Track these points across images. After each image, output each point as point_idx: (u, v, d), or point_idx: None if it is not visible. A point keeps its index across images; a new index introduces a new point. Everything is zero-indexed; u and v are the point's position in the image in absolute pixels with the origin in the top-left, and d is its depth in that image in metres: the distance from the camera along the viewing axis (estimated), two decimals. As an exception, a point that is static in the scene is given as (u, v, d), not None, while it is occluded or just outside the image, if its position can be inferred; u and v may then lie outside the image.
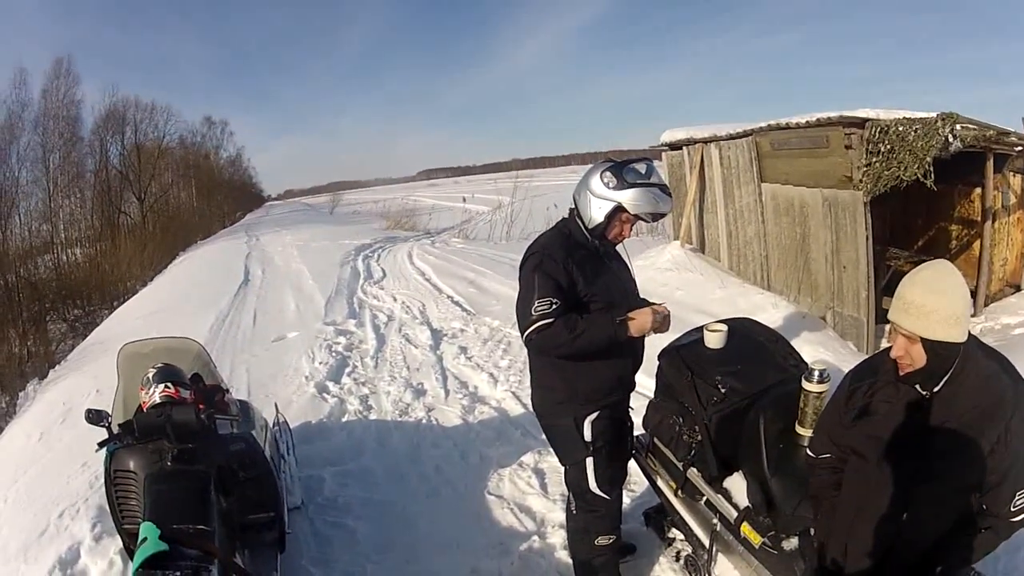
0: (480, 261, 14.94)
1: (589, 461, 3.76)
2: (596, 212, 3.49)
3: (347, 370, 8.34)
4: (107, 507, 3.90)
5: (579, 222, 3.60)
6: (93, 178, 37.18)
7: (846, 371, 2.97)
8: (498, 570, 4.48)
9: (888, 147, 7.67)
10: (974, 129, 8.02)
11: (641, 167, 3.51)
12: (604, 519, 3.94)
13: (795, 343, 4.29)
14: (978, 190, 10.16)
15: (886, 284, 9.23)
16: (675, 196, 3.58)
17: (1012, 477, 2.49)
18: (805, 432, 3.51)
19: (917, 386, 2.51)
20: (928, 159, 7.56)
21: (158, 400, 3.89)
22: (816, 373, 3.46)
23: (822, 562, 2.94)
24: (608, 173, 3.46)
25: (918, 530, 2.60)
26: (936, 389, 2.50)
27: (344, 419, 6.84)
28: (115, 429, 3.85)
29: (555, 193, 22.52)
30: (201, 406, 3.96)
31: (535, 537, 4.78)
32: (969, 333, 2.47)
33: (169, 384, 3.97)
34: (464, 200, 33.40)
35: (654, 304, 3.62)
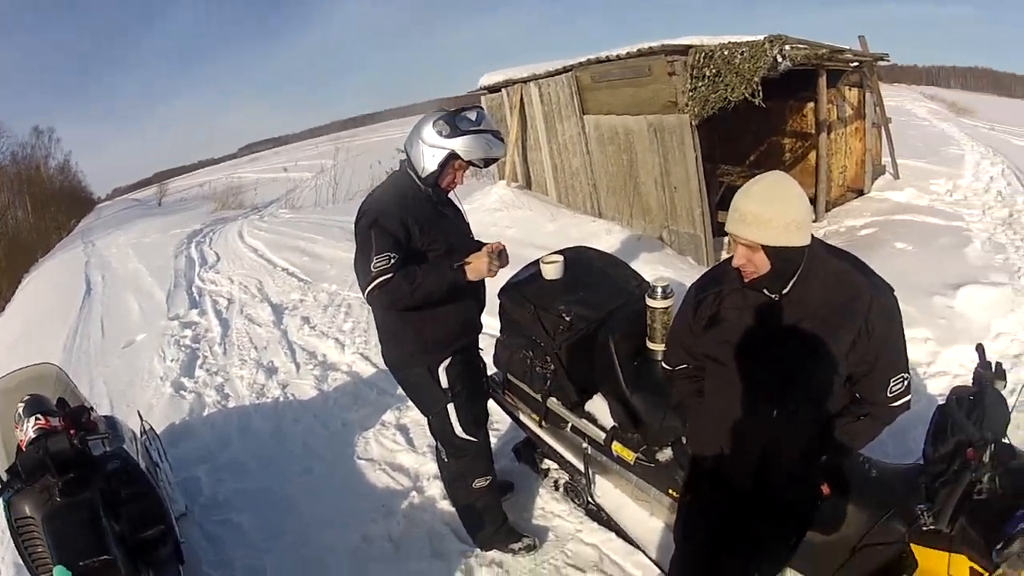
0: (310, 228, 14.90)
1: (450, 407, 3.96)
2: (429, 161, 3.60)
3: (198, 362, 8.28)
4: (19, 559, 3.78)
5: (411, 173, 3.70)
6: (-69, 211, 34.78)
7: (689, 285, 3.27)
8: (387, 532, 4.63)
9: (714, 71, 8.15)
10: (805, 48, 8.62)
11: (472, 114, 3.64)
12: (476, 461, 4.17)
13: (635, 264, 4.57)
14: (810, 105, 10.90)
15: (719, 200, 9.93)
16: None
17: (881, 366, 2.68)
18: (657, 347, 3.79)
19: (765, 290, 2.64)
20: (756, 79, 8.08)
21: (33, 435, 3.79)
22: (659, 289, 3.75)
23: (701, 468, 3.13)
24: (441, 122, 3.57)
25: (792, 425, 2.76)
26: (785, 291, 2.63)
27: (205, 413, 6.82)
28: (3, 476, 3.78)
29: (377, 151, 22.46)
30: (72, 431, 3.87)
31: (413, 493, 4.97)
32: (814, 236, 2.61)
33: (39, 415, 3.88)
34: (286, 169, 32.89)
35: (489, 244, 3.78)
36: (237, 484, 5.43)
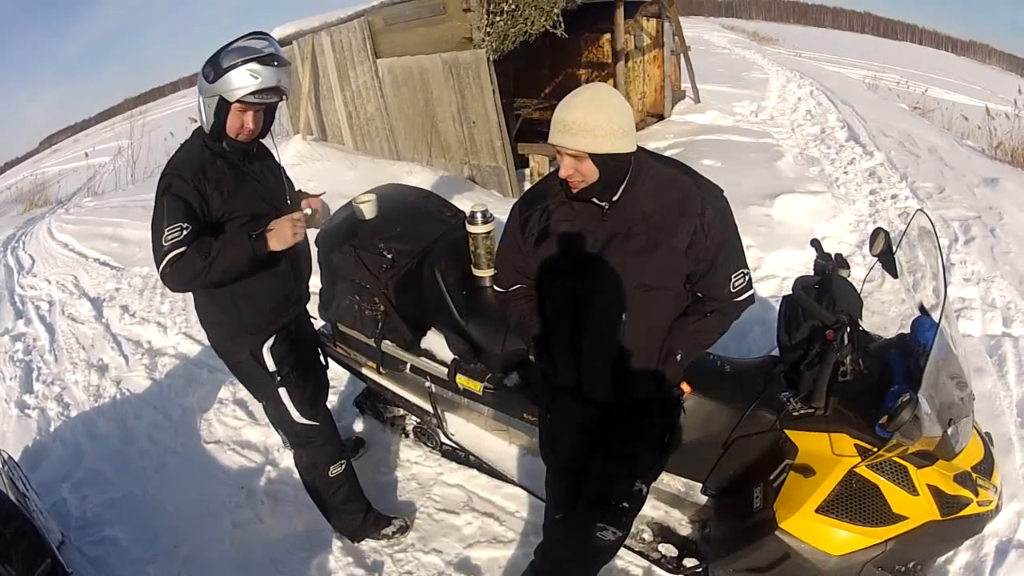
0: (114, 213, 13.97)
1: (282, 392, 3.63)
2: (206, 113, 3.16)
3: (35, 375, 7.74)
4: None
5: (203, 131, 3.26)
6: None
7: (496, 213, 3.22)
8: (255, 515, 4.52)
9: (512, 5, 8.27)
10: None
11: (243, 42, 3.12)
12: (324, 447, 3.89)
13: (442, 201, 4.53)
14: (607, 36, 11.20)
15: (518, 132, 10.22)
16: (289, 90, 3.30)
17: (721, 263, 2.73)
18: (483, 273, 3.79)
19: (594, 200, 2.66)
20: (556, 11, 8.33)
21: None
22: (479, 215, 3.69)
23: (556, 386, 3.13)
24: (207, 65, 3.10)
25: (641, 328, 2.81)
26: (615, 199, 2.65)
27: (52, 428, 6.42)
28: None
29: (171, 123, 21.80)
30: None
31: (268, 468, 4.89)
32: (639, 145, 2.64)
33: None
34: (87, 155, 31.48)
35: (308, 197, 3.59)
36: (101, 495, 5.17)
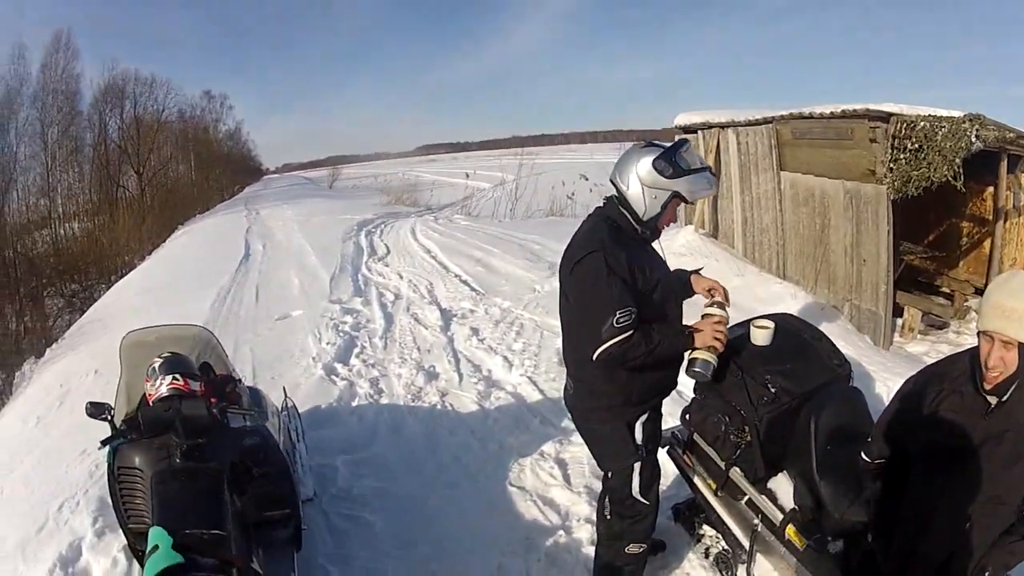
0: (486, 239, 14.63)
1: (636, 466, 3.68)
2: (651, 203, 3.45)
3: (355, 351, 8.20)
4: (109, 501, 3.76)
5: (627, 213, 3.53)
6: (92, 152, 37.48)
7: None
8: (525, 568, 4.40)
9: (915, 145, 7.78)
10: (994, 130, 8.21)
11: (687, 152, 3.49)
12: (641, 525, 3.82)
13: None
14: (990, 189, 10.38)
15: (898, 278, 9.38)
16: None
17: None
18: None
19: (993, 395, 2.50)
20: (957, 160, 7.70)
21: (165, 393, 3.67)
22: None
23: (882, 566, 2.93)
24: (661, 161, 3.40)
25: (978, 537, 2.61)
26: (1004, 398, 2.48)
27: (355, 403, 6.70)
28: (118, 424, 3.73)
29: (559, 171, 22.41)
30: (213, 399, 3.83)
31: (561, 532, 4.71)
32: None
33: (177, 376, 3.75)
34: (468, 176, 33.03)
35: (711, 312, 3.68)
36: (376, 483, 5.31)
